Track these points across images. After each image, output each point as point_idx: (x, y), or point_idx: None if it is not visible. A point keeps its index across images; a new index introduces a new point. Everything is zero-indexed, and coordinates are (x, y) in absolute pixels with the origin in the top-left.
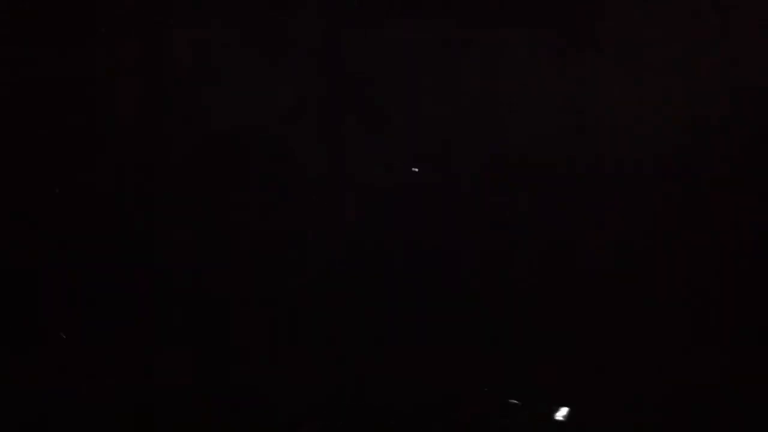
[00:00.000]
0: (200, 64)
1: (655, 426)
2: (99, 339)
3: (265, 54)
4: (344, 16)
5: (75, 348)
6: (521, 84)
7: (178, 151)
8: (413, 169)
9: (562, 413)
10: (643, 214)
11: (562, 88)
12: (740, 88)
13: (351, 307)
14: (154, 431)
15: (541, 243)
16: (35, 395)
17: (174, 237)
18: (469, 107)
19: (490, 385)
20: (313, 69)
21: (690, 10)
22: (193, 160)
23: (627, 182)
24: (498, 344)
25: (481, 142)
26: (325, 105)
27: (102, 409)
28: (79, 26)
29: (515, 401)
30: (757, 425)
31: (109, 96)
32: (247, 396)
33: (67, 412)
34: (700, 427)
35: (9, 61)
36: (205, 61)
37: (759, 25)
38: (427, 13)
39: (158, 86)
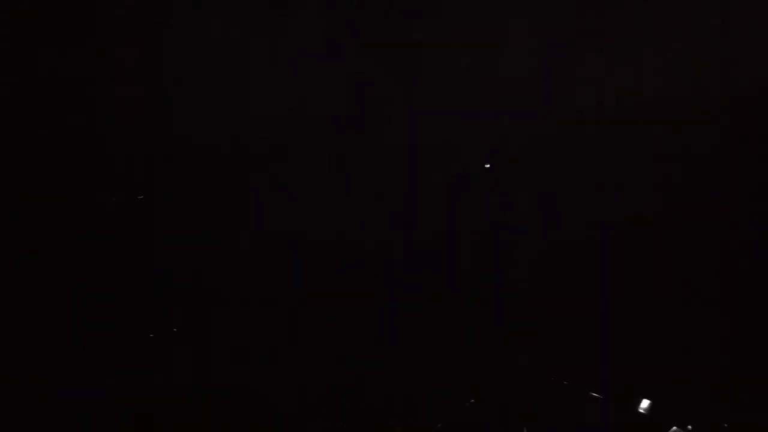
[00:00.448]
0: (200, 63)
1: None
2: (98, 339)
3: (266, 54)
4: (344, 17)
5: (75, 348)
6: (521, 84)
7: (179, 151)
8: (486, 165)
9: (644, 405)
10: (642, 213)
11: (562, 88)
12: (740, 88)
13: (351, 308)
14: (155, 431)
15: (542, 243)
16: (35, 395)
17: (174, 236)
18: (469, 108)
19: (490, 386)
20: (313, 69)
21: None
22: (194, 160)
23: (626, 182)
24: (499, 344)
25: (481, 143)
26: (325, 105)
27: (102, 409)
28: (79, 26)
29: (597, 395)
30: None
31: (108, 96)
32: (247, 396)
33: (67, 412)
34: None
35: (8, 62)
36: (205, 61)
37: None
38: (427, 13)
39: (158, 86)
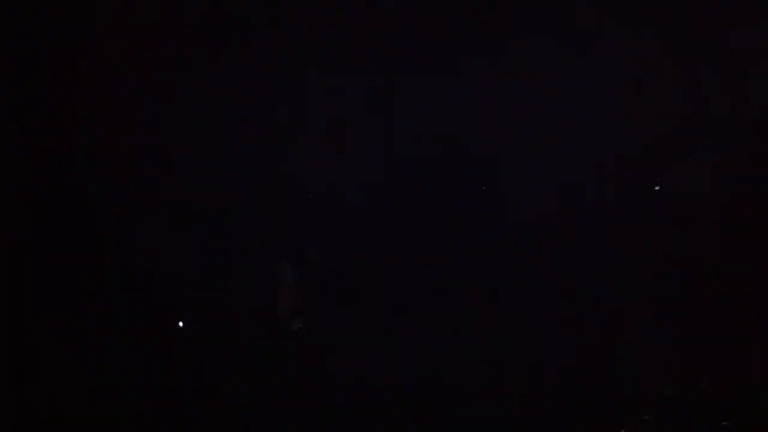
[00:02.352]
0: (200, 62)
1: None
2: (98, 338)
3: (266, 54)
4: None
5: (75, 348)
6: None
7: (179, 150)
8: None
9: None
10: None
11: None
12: None
13: (348, 308)
14: (154, 431)
15: (542, 243)
16: (36, 394)
17: (171, 238)
18: (472, 109)
19: (489, 386)
20: (313, 73)
21: None
22: (194, 160)
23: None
24: (497, 344)
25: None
26: (326, 107)
27: (102, 409)
28: (79, 26)
29: None
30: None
31: (108, 95)
32: (246, 396)
33: (68, 412)
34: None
35: (9, 62)
36: (205, 60)
37: None
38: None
39: (158, 85)
